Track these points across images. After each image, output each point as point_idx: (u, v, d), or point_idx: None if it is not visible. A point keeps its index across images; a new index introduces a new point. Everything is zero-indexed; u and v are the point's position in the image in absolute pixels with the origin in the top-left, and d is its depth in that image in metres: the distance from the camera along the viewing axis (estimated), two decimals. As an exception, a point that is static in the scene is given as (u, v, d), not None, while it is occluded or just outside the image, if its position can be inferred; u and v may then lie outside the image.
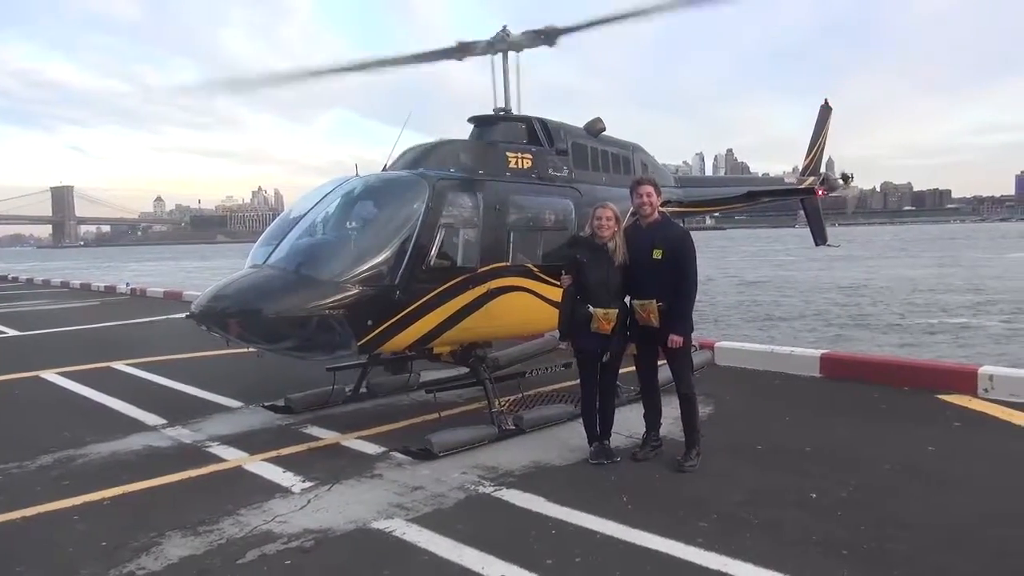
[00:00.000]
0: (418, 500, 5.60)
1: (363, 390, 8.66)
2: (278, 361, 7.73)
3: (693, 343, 7.07)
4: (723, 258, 55.75)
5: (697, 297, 6.45)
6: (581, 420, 6.65)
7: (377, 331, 6.66)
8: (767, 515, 5.15)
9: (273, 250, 6.95)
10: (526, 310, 7.71)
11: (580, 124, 9.16)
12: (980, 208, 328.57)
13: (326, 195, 7.32)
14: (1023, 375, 8.23)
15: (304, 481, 6.06)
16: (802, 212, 16.20)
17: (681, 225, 7.70)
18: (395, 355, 7.70)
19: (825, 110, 16.44)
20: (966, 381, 8.29)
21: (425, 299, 6.89)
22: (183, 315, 7.54)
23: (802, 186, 15.53)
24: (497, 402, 7.29)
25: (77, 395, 9.56)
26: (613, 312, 6.19)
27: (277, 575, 4.49)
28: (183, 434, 7.58)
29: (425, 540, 4.88)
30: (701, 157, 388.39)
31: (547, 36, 8.50)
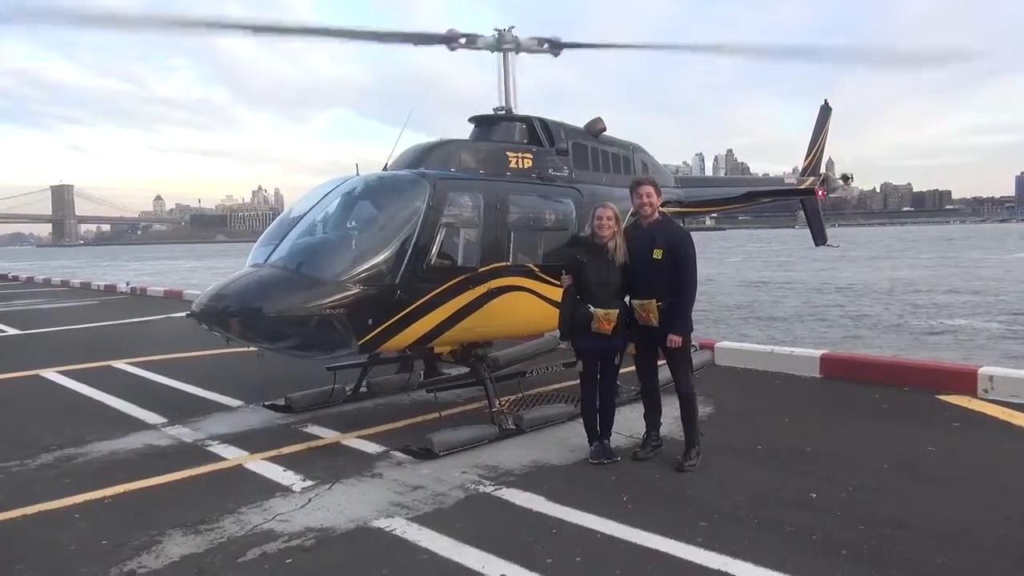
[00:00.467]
0: (418, 499, 5.61)
1: (363, 389, 8.66)
2: (278, 360, 7.74)
3: (693, 343, 7.09)
4: (723, 259, 55.77)
5: (697, 297, 6.46)
6: (581, 420, 6.66)
7: (378, 330, 6.67)
8: (767, 515, 5.15)
9: (274, 249, 6.96)
10: (526, 310, 7.71)
11: (580, 124, 9.17)
12: (980, 209, 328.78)
13: (327, 194, 7.32)
14: (1023, 376, 8.22)
15: (305, 480, 6.07)
16: (802, 213, 16.19)
17: (681, 225, 7.71)
18: (399, 354, 7.71)
19: (825, 111, 16.43)
20: (966, 382, 8.29)
21: (426, 299, 6.90)
22: (183, 314, 7.55)
23: (802, 187, 15.52)
24: (497, 402, 7.30)
25: (77, 394, 9.57)
26: (613, 312, 6.20)
27: (278, 573, 4.50)
28: (184, 433, 7.58)
29: (425, 539, 4.89)
30: (701, 157, 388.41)
31: (552, 45, 8.55)
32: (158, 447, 7.15)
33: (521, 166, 8.18)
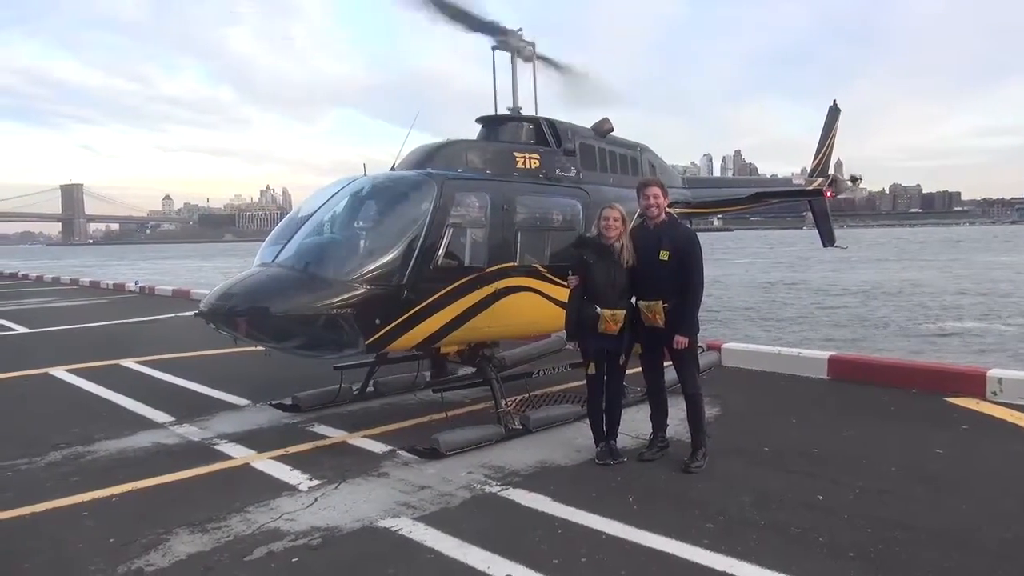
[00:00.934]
0: (425, 499, 5.62)
1: (370, 389, 8.68)
2: (286, 359, 7.75)
3: (700, 344, 7.07)
4: (730, 260, 55.64)
5: (704, 298, 6.45)
6: (587, 420, 6.66)
7: (385, 330, 6.68)
8: (773, 517, 5.14)
9: (281, 249, 6.98)
10: (533, 310, 7.71)
11: (587, 124, 9.17)
12: (990, 210, 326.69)
13: (334, 194, 7.34)
14: (1033, 378, 8.17)
15: (311, 479, 6.08)
16: (810, 214, 16.13)
17: (688, 226, 7.69)
18: (406, 354, 7.73)
19: (834, 111, 16.38)
20: (975, 384, 8.24)
21: (433, 299, 6.90)
22: (191, 313, 7.58)
23: (810, 188, 15.47)
24: (504, 402, 7.30)
25: (86, 392, 9.62)
26: (620, 313, 6.19)
27: (284, 572, 4.51)
28: (191, 431, 7.61)
29: (431, 539, 4.90)
30: (709, 158, 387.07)
31: (557, 67, 8.62)
32: (166, 446, 7.18)
33: (528, 166, 8.18)
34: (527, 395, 7.99)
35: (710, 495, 5.58)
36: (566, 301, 6.55)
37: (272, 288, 6.53)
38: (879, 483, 5.74)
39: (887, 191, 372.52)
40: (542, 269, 7.79)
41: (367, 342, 6.66)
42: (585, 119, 9.20)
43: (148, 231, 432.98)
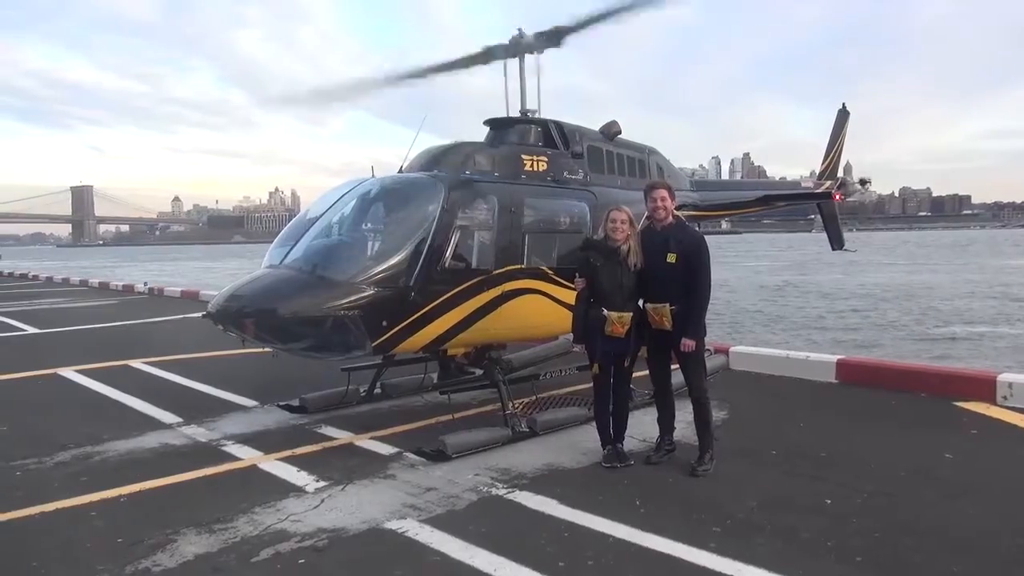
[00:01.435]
0: (431, 501, 5.62)
1: (377, 391, 8.69)
2: (293, 361, 7.78)
3: (707, 347, 7.05)
4: (739, 262, 55.51)
5: (712, 301, 6.43)
6: (594, 423, 6.65)
7: (392, 332, 6.69)
8: (781, 520, 5.12)
9: (289, 250, 7.00)
10: (540, 313, 7.71)
11: (595, 127, 9.16)
12: (1000, 214, 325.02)
13: (342, 196, 7.36)
14: (1043, 383, 8.12)
15: (318, 481, 6.09)
16: (819, 217, 16.07)
17: (696, 229, 7.67)
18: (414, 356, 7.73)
19: (843, 114, 16.31)
20: (984, 388, 8.20)
21: (440, 300, 6.91)
22: (200, 314, 7.61)
23: (819, 190, 15.41)
24: (511, 404, 7.30)
25: (95, 392, 9.66)
26: (627, 316, 6.18)
27: (290, 574, 4.52)
28: (199, 432, 7.64)
29: (437, 541, 4.90)
30: (717, 161, 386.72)
31: (551, 37, 8.55)
32: (174, 446, 7.21)
33: (536, 169, 8.18)
34: (534, 397, 7.98)
35: (717, 499, 5.56)
36: (573, 303, 6.55)
37: (280, 290, 6.55)
38: (888, 487, 5.71)
39: (896, 194, 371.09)
40: (549, 271, 7.78)
41: (374, 344, 6.67)
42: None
43: (158, 232, 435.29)
